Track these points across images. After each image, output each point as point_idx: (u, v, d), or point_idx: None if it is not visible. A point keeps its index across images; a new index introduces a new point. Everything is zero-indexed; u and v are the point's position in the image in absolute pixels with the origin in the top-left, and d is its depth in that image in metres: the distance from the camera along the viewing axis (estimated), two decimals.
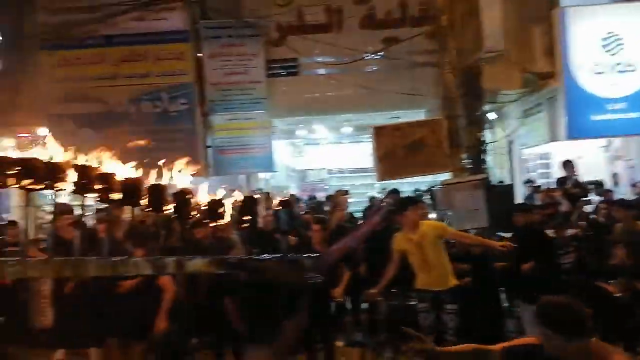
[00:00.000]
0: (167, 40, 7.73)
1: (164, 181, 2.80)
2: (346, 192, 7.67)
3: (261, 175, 11.10)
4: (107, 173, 2.58)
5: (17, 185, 2.66)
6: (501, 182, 7.79)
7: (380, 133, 6.80)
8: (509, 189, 7.10)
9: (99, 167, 2.68)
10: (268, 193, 8.40)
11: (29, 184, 2.58)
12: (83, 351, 5.09)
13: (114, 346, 4.87)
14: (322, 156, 13.26)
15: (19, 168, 2.57)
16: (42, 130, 8.26)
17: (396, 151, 6.56)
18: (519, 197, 7.33)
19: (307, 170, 13.83)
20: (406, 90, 7.64)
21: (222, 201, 2.58)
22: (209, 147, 8.13)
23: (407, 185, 10.33)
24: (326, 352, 4.70)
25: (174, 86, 7.81)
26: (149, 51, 7.72)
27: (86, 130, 7.71)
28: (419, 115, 8.37)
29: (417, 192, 9.78)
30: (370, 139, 7.20)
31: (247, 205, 2.59)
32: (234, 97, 7.96)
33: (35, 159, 2.62)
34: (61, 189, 2.47)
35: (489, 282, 4.96)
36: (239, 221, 2.64)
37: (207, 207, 2.62)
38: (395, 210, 5.25)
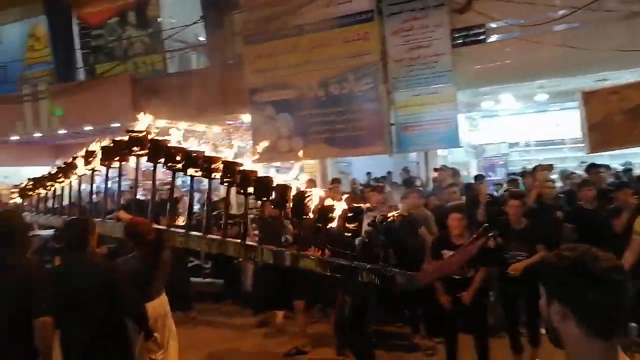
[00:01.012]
0: (353, 22, 7.99)
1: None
2: (550, 167, 7.02)
3: (439, 151, 10.87)
4: (246, 170, 2.82)
5: (183, 172, 3.08)
6: None
7: (591, 98, 6.04)
8: None
9: (242, 164, 2.92)
10: (454, 169, 8.20)
11: (193, 172, 2.97)
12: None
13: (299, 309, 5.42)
14: (502, 129, 12.39)
15: (185, 158, 2.99)
16: (246, 117, 9.36)
17: (612, 118, 5.77)
18: None
19: (485, 145, 13.11)
20: (618, 47, 6.64)
21: (333, 207, 2.60)
22: (392, 124, 8.23)
23: (608, 158, 9.09)
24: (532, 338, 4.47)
25: (359, 67, 8.07)
26: (336, 35, 8.08)
27: (283, 115, 8.46)
28: (633, 75, 7.21)
29: (627, 167, 8.55)
30: (571, 106, 6.46)
31: (354, 214, 2.56)
32: (417, 71, 7.88)
33: (198, 151, 2.99)
34: (214, 178, 2.77)
35: None
36: (345, 230, 2.59)
37: (318, 212, 2.62)
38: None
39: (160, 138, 3.10)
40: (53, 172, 3.81)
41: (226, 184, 2.86)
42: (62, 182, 3.72)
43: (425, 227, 5.56)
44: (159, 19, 11.87)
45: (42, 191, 3.88)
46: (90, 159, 3.47)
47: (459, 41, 7.98)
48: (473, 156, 13.16)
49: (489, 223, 6.01)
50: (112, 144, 3.31)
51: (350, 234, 2.61)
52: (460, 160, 11.95)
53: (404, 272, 2.56)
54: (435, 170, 8.41)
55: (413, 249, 5.28)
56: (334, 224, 2.65)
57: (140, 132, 3.16)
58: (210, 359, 5.42)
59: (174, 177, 3.36)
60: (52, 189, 3.82)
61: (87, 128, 10.60)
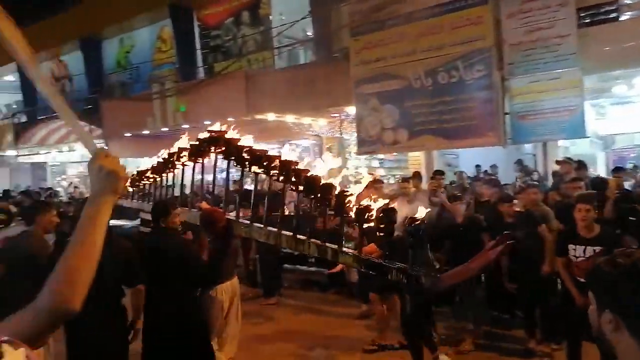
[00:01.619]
0: (464, 7, 7.60)
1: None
2: None
3: (559, 142, 9.96)
4: (299, 169, 2.84)
5: (248, 170, 3.20)
6: None
7: None
8: None
9: (298, 162, 2.97)
10: (579, 161, 7.45)
11: (256, 169, 3.05)
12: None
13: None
14: (636, 117, 10.97)
15: (251, 157, 3.08)
16: (351, 109, 9.42)
17: None
18: None
19: (615, 135, 11.72)
20: None
21: (370, 207, 2.62)
22: (506, 114, 7.71)
23: None
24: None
25: (470, 53, 7.66)
26: (446, 21, 7.75)
27: (388, 106, 8.36)
28: None
29: None
30: None
31: (386, 215, 2.59)
32: (537, 56, 7.26)
33: (261, 150, 3.07)
34: (273, 176, 2.81)
35: None
36: (378, 229, 2.63)
37: (357, 212, 2.66)
38: None
39: (232, 137, 3.35)
40: (154, 164, 4.35)
41: (281, 181, 3.09)
42: (160, 174, 4.18)
43: (545, 223, 5.13)
44: (270, 17, 12.40)
45: (145, 181, 4.38)
46: (182, 154, 3.87)
47: (586, 20, 7.22)
48: (600, 148, 11.85)
49: (618, 222, 5.42)
50: (196, 142, 3.68)
51: (383, 234, 2.67)
52: (584, 152, 10.82)
53: (430, 273, 2.54)
54: (557, 162, 7.70)
55: (531, 247, 4.92)
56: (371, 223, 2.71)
57: (218, 132, 3.43)
58: (311, 346, 5.56)
59: (242, 174, 3.61)
60: (153, 179, 4.31)
61: (206, 122, 11.44)
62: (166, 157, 4.01)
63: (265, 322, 6.25)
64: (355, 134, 8.64)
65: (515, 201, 5.72)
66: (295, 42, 12.32)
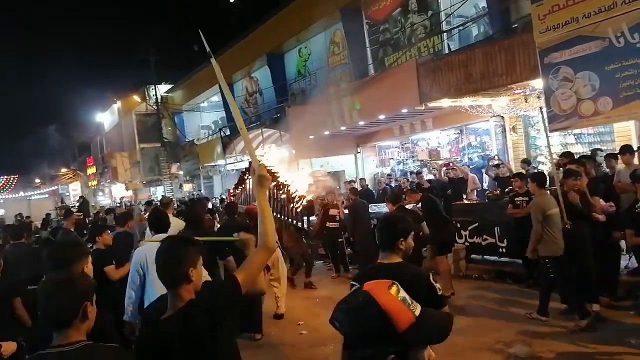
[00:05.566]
0: None
1: None
2: None
3: None
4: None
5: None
6: None
7: None
8: None
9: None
10: None
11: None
12: None
13: None
14: None
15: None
16: (536, 83, 8.50)
17: None
18: None
19: None
20: None
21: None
22: None
23: None
24: None
25: None
26: None
27: (584, 73, 7.30)
28: None
29: None
30: None
31: None
32: None
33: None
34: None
35: None
36: None
37: None
38: None
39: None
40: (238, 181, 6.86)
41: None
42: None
43: None
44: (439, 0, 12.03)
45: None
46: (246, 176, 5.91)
47: None
48: None
49: None
50: (244, 170, 5.31)
51: None
52: None
53: None
54: None
55: None
56: None
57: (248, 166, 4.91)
58: (509, 341, 5.21)
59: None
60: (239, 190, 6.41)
61: (381, 117, 11.66)
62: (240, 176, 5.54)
63: (456, 315, 6.05)
64: (544, 110, 7.75)
65: None
66: (468, 20, 11.68)
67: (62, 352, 1.74)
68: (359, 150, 15.45)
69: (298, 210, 8.49)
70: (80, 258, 2.67)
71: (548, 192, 5.94)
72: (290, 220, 8.62)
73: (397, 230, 2.59)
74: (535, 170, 8.85)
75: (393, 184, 12.50)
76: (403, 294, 1.36)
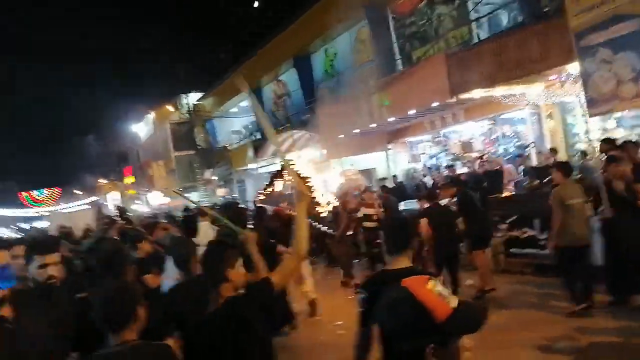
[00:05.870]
0: None
1: None
2: None
3: None
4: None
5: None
6: None
7: None
8: None
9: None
10: None
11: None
12: None
13: None
14: None
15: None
16: (573, 68, 8.17)
17: None
18: None
19: None
20: None
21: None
22: None
23: None
24: None
25: None
26: None
27: (624, 54, 6.95)
28: None
29: None
30: None
31: None
32: None
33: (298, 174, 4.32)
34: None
35: None
36: None
37: None
38: None
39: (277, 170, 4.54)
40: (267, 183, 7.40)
41: None
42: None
43: None
44: None
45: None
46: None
47: None
48: None
49: None
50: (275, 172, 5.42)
51: None
52: None
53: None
54: None
55: None
56: None
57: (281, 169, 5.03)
58: (555, 337, 5.01)
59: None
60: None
61: (411, 112, 11.49)
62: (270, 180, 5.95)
63: (498, 310, 5.88)
64: (582, 95, 7.42)
65: None
66: (498, 5, 11.36)
67: (119, 352, 1.98)
68: (389, 147, 15.29)
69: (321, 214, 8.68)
70: (129, 266, 2.94)
71: (571, 181, 5.76)
72: (314, 223, 8.76)
73: (409, 233, 2.33)
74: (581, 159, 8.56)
75: (427, 179, 12.30)
76: (440, 287, 1.48)
